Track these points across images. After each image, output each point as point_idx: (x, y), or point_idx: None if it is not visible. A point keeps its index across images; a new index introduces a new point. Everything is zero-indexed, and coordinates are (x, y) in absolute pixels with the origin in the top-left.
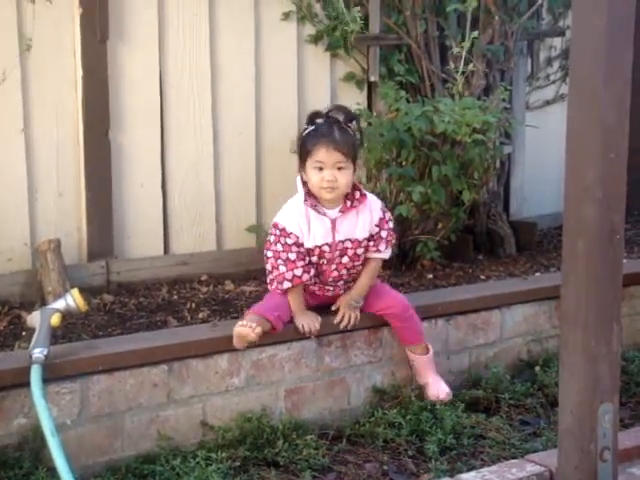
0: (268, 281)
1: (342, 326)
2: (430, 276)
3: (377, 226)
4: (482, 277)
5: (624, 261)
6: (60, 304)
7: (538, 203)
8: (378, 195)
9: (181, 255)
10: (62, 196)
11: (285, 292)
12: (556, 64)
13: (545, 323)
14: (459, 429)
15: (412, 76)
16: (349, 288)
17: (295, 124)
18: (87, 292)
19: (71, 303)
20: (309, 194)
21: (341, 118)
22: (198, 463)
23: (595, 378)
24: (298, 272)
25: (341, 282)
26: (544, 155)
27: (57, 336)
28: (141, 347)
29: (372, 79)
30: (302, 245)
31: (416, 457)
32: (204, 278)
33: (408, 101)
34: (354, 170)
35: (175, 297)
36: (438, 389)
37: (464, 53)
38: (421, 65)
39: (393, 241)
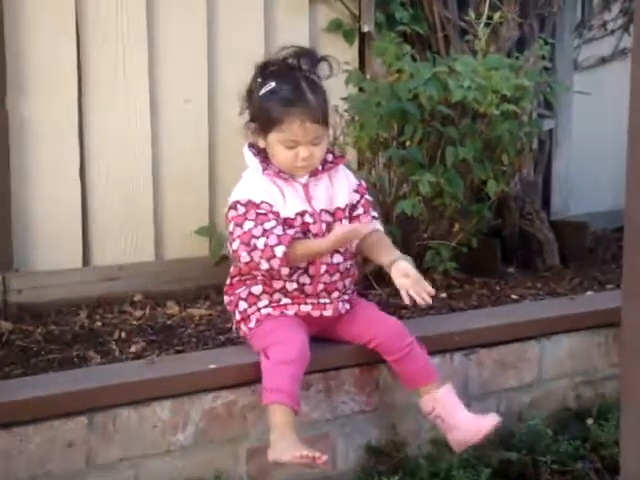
0: (238, 318)
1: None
2: (443, 295)
3: (356, 192)
4: (513, 297)
5: None
6: None
7: (590, 197)
8: (374, 186)
9: (106, 267)
10: None
11: (287, 263)
12: (615, 8)
13: (600, 359)
14: None
15: (419, 25)
16: (346, 306)
17: None
18: None
19: None
20: (266, 162)
21: (305, 64)
22: None
23: None
24: (279, 230)
25: (336, 292)
26: (599, 132)
27: None
28: (51, 393)
29: (366, 29)
30: (278, 215)
31: None
32: (138, 298)
33: (414, 59)
34: (329, 133)
35: (98, 324)
36: (480, 422)
37: None
38: (432, 10)
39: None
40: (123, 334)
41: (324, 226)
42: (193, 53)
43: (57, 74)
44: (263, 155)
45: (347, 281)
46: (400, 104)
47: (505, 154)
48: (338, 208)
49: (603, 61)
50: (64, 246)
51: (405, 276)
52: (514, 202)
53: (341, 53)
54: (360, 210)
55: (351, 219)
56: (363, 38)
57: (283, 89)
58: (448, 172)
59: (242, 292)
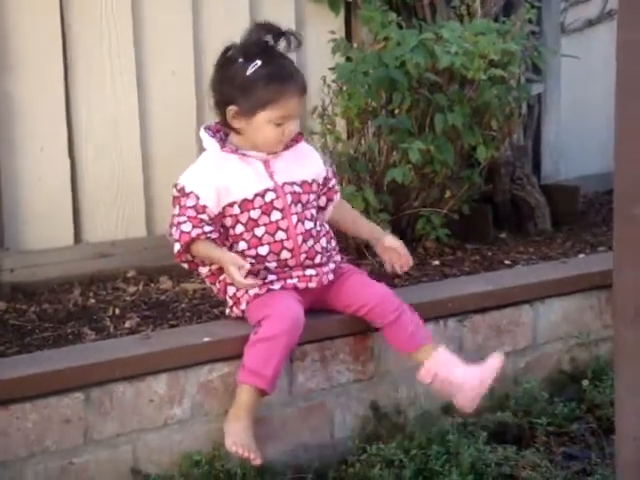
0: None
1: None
2: (436, 262)
3: (327, 169)
4: (506, 262)
5: None
6: None
7: (580, 160)
8: (364, 155)
9: (98, 244)
10: None
11: (186, 259)
12: None
13: (593, 321)
14: (481, 467)
15: None
16: (329, 276)
17: None
18: None
19: None
20: (223, 140)
21: (271, 40)
22: None
23: None
24: (187, 227)
25: (318, 257)
26: (587, 95)
27: None
28: (46, 370)
29: None
30: (204, 209)
31: None
32: (131, 274)
33: (400, 27)
34: None
35: (92, 301)
36: (483, 372)
37: None
38: None
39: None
40: (117, 310)
41: (289, 198)
42: (179, 27)
43: (42, 50)
44: (220, 136)
45: (322, 241)
46: (387, 72)
47: (494, 119)
48: (305, 182)
49: (590, 24)
50: (55, 224)
51: (393, 250)
52: (504, 167)
53: (326, 22)
54: (332, 183)
55: (320, 194)
56: (349, 7)
57: (272, 67)
58: (437, 139)
59: (227, 277)
